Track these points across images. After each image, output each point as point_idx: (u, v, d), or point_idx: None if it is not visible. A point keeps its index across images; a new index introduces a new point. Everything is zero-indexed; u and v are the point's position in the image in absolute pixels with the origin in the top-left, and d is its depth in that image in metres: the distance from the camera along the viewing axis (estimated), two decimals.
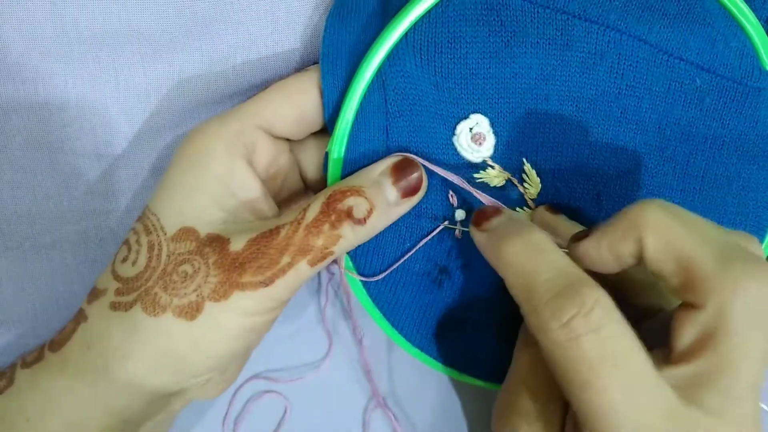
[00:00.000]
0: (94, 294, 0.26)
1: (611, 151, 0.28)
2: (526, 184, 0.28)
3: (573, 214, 0.29)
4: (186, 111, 0.29)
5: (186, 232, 0.25)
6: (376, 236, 0.28)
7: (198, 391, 0.27)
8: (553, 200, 0.29)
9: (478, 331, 0.31)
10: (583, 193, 0.29)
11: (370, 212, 0.25)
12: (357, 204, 0.25)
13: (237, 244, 0.25)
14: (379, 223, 0.26)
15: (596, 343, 0.20)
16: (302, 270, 0.25)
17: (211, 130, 0.26)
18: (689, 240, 0.21)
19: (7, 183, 0.28)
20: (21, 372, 0.26)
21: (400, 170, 0.26)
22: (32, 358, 0.26)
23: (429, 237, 0.28)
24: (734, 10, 0.27)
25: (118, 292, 0.25)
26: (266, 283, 0.24)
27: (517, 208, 0.29)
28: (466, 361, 0.32)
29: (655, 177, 0.29)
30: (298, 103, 0.27)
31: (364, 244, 0.29)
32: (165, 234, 0.25)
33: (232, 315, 0.24)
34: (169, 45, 0.27)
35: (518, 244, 0.23)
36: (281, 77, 0.28)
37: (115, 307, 0.25)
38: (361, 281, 0.30)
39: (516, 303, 0.23)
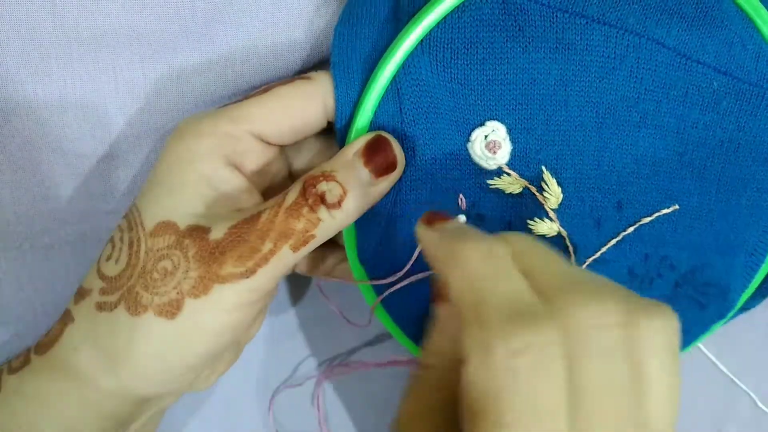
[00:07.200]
0: (81, 294, 0.26)
1: (631, 157, 0.27)
2: (545, 193, 0.27)
3: (595, 224, 0.28)
4: (185, 111, 0.29)
5: (165, 227, 0.25)
6: (389, 243, 0.28)
7: (186, 386, 0.27)
8: (575, 211, 0.28)
9: None
10: (605, 202, 0.28)
11: (343, 196, 0.25)
12: (329, 189, 0.24)
13: (217, 233, 0.24)
14: (357, 204, 0.25)
15: (529, 387, 0.18)
16: (285, 256, 0.24)
17: (201, 128, 0.25)
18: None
19: (7, 183, 0.28)
20: (8, 378, 0.26)
21: (372, 150, 0.25)
22: (18, 363, 0.26)
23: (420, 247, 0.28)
24: (752, 12, 0.26)
25: (103, 292, 0.25)
26: (247, 275, 0.24)
27: (536, 219, 0.28)
28: None
29: (674, 182, 0.28)
30: (294, 113, 0.26)
31: (377, 252, 0.28)
32: (144, 230, 0.25)
33: (214, 312, 0.24)
34: (168, 46, 0.27)
35: (479, 250, 0.20)
36: (280, 79, 0.28)
37: (100, 307, 0.25)
38: (373, 285, 0.29)
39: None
